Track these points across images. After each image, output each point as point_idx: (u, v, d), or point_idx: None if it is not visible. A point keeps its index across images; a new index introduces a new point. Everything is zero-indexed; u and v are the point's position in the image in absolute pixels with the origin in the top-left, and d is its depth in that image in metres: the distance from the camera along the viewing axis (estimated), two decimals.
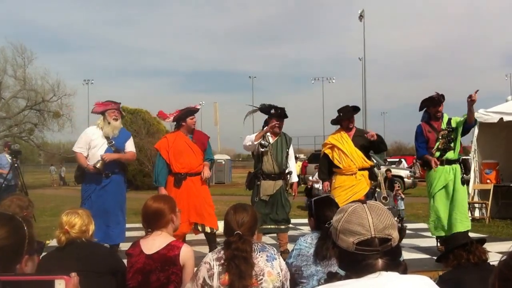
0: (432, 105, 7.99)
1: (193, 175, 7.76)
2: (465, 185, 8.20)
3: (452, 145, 7.96)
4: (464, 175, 8.17)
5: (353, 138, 8.13)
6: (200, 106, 7.99)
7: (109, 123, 7.55)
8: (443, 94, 8.00)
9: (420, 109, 8.22)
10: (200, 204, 7.73)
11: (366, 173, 8.15)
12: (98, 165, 7.35)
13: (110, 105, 7.63)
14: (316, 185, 17.01)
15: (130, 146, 7.82)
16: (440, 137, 7.92)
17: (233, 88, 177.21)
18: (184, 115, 7.88)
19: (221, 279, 3.46)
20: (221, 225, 7.98)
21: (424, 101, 8.08)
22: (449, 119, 8.06)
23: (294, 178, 8.26)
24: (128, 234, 7.81)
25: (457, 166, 8.00)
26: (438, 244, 8.25)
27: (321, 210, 4.38)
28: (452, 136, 7.94)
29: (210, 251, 7.26)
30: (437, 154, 7.97)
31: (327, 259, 4.05)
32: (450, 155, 7.96)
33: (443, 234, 7.89)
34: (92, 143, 7.49)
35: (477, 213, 12.92)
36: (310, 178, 17.71)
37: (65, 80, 53.61)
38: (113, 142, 7.53)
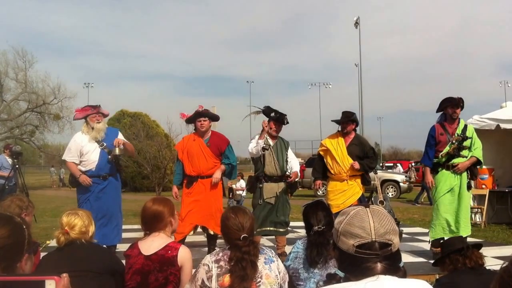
0: (450, 106, 7.95)
1: (204, 178, 7.81)
2: (469, 191, 8.22)
3: (463, 153, 7.94)
4: (471, 180, 8.19)
5: (349, 145, 8.17)
6: (202, 108, 7.98)
7: (92, 128, 7.57)
8: (462, 98, 8.00)
9: (438, 110, 8.19)
10: (207, 206, 7.74)
11: (358, 178, 8.19)
12: (117, 152, 7.49)
13: (89, 110, 7.64)
14: (239, 192, 16.94)
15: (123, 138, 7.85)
16: (453, 142, 7.90)
17: (231, 92, 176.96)
18: (192, 118, 8.00)
19: (219, 281, 3.47)
20: None
21: (444, 101, 8.04)
22: (465, 126, 8.07)
23: (296, 168, 8.33)
24: (126, 235, 7.85)
25: (463, 172, 8.02)
26: (431, 247, 8.29)
27: (306, 217, 4.38)
28: (464, 144, 7.93)
29: (208, 252, 7.35)
30: (443, 159, 8.00)
31: (320, 263, 4.11)
32: (457, 160, 7.95)
33: (443, 236, 7.89)
34: (84, 150, 7.51)
35: (472, 218, 12.96)
36: (234, 186, 17.64)
37: (66, 83, 53.66)
38: (105, 144, 7.55)
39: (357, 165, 7.99)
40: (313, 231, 4.19)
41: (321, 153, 8.36)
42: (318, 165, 8.49)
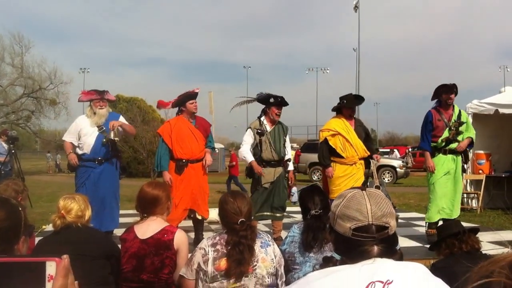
0: (445, 92, 8.04)
1: (194, 162, 7.74)
2: (463, 174, 8.42)
3: (459, 138, 8.09)
4: (464, 164, 8.36)
5: (355, 128, 8.18)
6: (199, 89, 7.92)
7: (94, 113, 7.60)
8: (456, 84, 8.11)
9: (433, 98, 8.27)
10: (198, 191, 7.71)
11: (363, 162, 8.23)
12: (111, 136, 7.42)
13: (94, 95, 7.66)
14: None
15: (124, 121, 7.86)
16: (452, 128, 8.01)
17: (228, 78, 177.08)
18: (183, 100, 7.84)
19: (215, 264, 3.50)
20: (214, 212, 8.04)
21: (439, 87, 8.13)
22: (460, 112, 8.19)
23: (290, 167, 8.26)
24: (122, 220, 7.85)
25: (458, 156, 8.17)
26: (427, 229, 8.38)
27: (303, 201, 4.40)
28: (460, 129, 8.07)
29: (195, 238, 7.35)
30: (443, 144, 8.08)
31: (315, 248, 4.12)
32: (454, 145, 8.09)
33: (439, 217, 8.05)
34: (82, 132, 7.53)
35: (469, 203, 13.03)
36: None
37: (62, 69, 53.64)
38: (104, 128, 7.56)
39: (379, 158, 8.18)
40: (310, 215, 4.20)
41: (329, 137, 8.19)
42: (325, 151, 8.24)
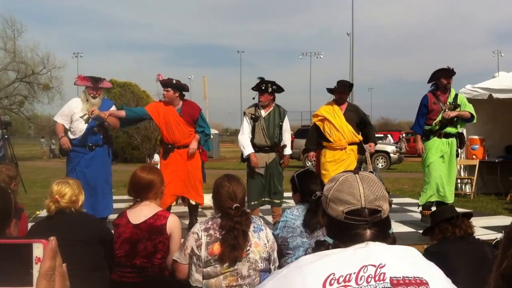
0: (444, 76, 8.05)
1: (180, 148, 7.72)
2: (456, 159, 8.44)
3: (454, 120, 8.08)
4: (459, 148, 8.41)
5: (345, 113, 8.16)
6: (159, 76, 7.85)
7: (87, 100, 7.57)
8: (453, 68, 8.10)
9: (430, 81, 8.26)
10: (186, 177, 7.70)
11: (355, 147, 8.20)
12: (84, 118, 7.38)
13: (89, 83, 7.60)
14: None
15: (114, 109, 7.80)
16: (445, 110, 7.99)
17: (222, 62, 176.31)
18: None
19: (208, 249, 3.50)
20: (208, 198, 8.03)
21: (437, 71, 8.13)
22: (456, 95, 8.18)
23: (287, 151, 8.18)
24: (117, 206, 7.85)
25: (453, 140, 8.16)
26: (421, 209, 8.44)
27: (305, 183, 4.41)
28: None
29: (189, 224, 7.35)
30: (437, 127, 8.09)
31: (316, 229, 4.14)
32: (449, 129, 8.09)
33: (433, 199, 8.12)
34: (75, 116, 7.50)
35: (462, 188, 13.07)
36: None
37: (55, 53, 53.39)
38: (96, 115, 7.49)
39: (373, 148, 8.27)
40: (316, 196, 4.19)
41: (318, 123, 8.25)
42: (313, 136, 8.37)
